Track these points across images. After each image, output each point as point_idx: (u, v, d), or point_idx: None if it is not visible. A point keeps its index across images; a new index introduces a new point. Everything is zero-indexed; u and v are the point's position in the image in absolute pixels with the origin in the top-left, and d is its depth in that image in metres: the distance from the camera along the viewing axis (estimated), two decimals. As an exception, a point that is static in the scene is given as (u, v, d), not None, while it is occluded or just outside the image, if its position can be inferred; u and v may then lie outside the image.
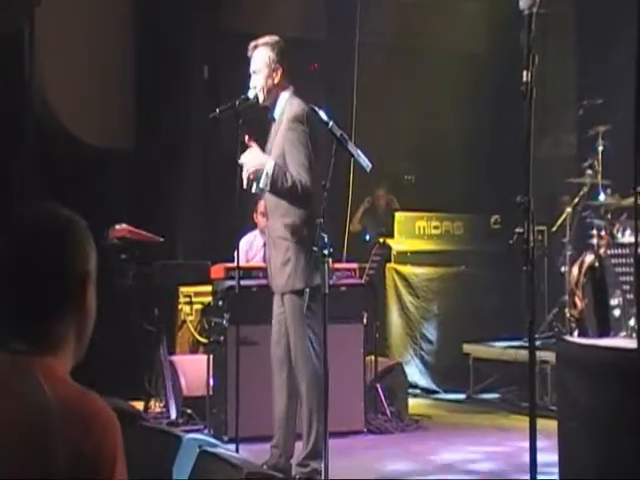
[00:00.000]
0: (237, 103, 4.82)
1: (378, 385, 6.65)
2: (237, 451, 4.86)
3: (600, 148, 7.87)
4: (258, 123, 5.03)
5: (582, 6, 8.76)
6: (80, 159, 7.45)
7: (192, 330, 7.30)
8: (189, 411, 6.30)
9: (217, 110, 4.83)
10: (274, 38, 4.96)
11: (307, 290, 4.77)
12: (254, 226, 7.07)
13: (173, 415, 6.25)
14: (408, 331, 8.27)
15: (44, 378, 1.86)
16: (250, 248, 7.11)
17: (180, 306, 7.36)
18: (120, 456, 1.85)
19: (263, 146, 5.00)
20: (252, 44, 4.97)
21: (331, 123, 4.43)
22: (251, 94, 4.87)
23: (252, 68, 4.97)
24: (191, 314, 7.36)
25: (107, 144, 7.78)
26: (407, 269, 8.31)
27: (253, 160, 4.85)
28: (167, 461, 3.56)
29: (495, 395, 7.78)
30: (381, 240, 8.01)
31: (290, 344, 4.92)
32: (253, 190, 4.99)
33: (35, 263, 1.90)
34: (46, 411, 1.81)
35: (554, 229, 8.03)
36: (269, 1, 8.51)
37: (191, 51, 8.25)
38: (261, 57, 4.93)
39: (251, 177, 4.88)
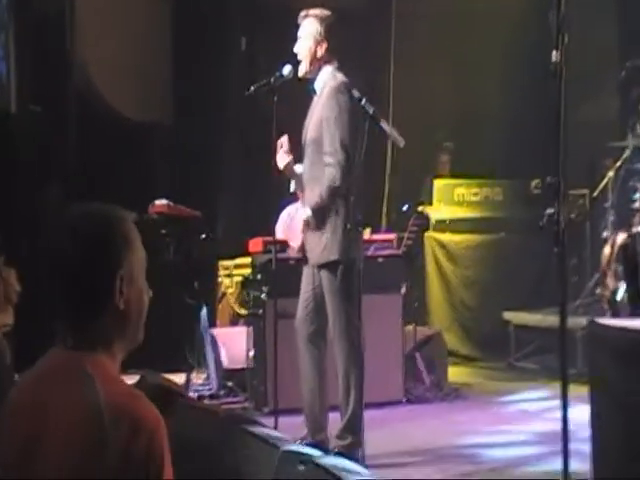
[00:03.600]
0: (272, 80, 4.85)
1: (417, 354, 6.68)
2: (276, 423, 4.94)
3: (643, 109, 7.79)
4: (294, 98, 5.04)
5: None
6: (121, 134, 7.53)
7: (232, 302, 7.38)
8: (230, 384, 6.39)
9: (252, 87, 4.85)
10: (325, 12, 4.99)
11: (341, 265, 4.80)
12: (296, 199, 7.08)
13: (214, 387, 6.35)
14: (448, 299, 8.27)
15: (96, 375, 1.94)
16: (292, 221, 7.10)
17: (220, 279, 7.43)
18: (167, 457, 1.92)
19: (301, 121, 5.05)
20: (303, 12, 5.01)
21: (364, 100, 4.43)
22: (286, 70, 4.89)
23: (299, 34, 5.01)
24: (231, 286, 7.42)
25: (146, 118, 7.84)
26: (446, 237, 8.29)
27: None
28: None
29: (536, 363, 7.76)
30: (419, 209, 8.00)
31: (318, 319, 4.96)
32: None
33: (71, 265, 1.99)
34: (99, 411, 1.88)
35: (595, 194, 7.95)
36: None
37: (229, 23, 8.24)
38: (309, 27, 4.97)
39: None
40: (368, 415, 4.95)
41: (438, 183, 8.45)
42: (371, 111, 4.40)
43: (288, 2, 8.38)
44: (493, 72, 8.84)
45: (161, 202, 6.36)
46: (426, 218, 7.88)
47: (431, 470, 4.93)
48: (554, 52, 2.98)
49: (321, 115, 4.86)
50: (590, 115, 8.95)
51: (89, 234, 1.99)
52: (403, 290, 6.42)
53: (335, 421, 5.04)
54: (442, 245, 8.28)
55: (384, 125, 4.50)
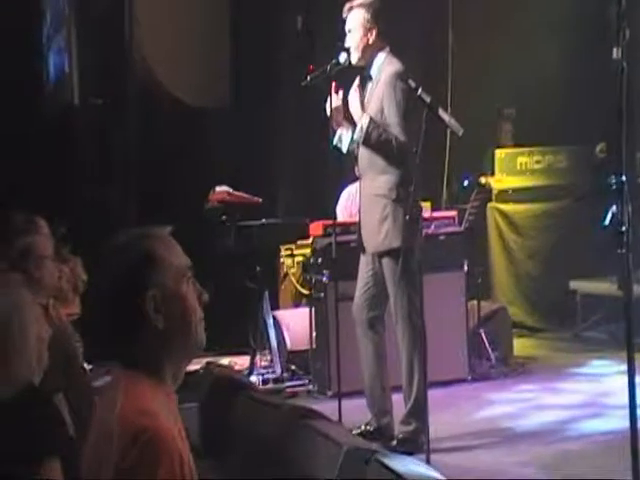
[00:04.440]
0: (328, 68, 4.85)
1: (482, 330, 6.63)
2: (340, 406, 4.96)
3: None
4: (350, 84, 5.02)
5: None
6: (181, 121, 7.55)
7: (294, 282, 7.39)
8: (293, 367, 6.42)
9: (308, 77, 4.85)
10: None
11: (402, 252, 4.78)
12: (355, 179, 7.07)
13: (278, 370, 6.39)
14: (512, 270, 8.18)
15: (125, 392, 1.98)
16: (353, 201, 7.08)
17: (282, 259, 7.44)
18: (164, 471, 1.87)
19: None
20: (347, 5, 5.01)
21: (420, 89, 4.40)
22: (342, 58, 4.88)
23: (347, 27, 5.01)
24: (293, 267, 7.43)
25: (204, 102, 7.84)
26: (509, 207, 8.18)
27: (352, 107, 4.88)
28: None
29: (603, 332, 7.65)
30: (482, 180, 7.90)
31: (377, 305, 4.98)
32: (344, 147, 5.00)
33: (100, 294, 2.05)
34: (110, 427, 1.93)
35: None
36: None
37: (285, 2, 8.18)
38: (356, 18, 4.96)
39: (340, 131, 4.92)
40: (433, 395, 4.95)
41: (499, 153, 8.33)
42: (428, 100, 4.36)
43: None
44: (554, 37, 8.64)
45: (221, 189, 6.40)
46: (488, 191, 7.78)
47: (500, 453, 4.91)
48: (614, 49, 2.89)
49: (380, 104, 4.83)
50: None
51: (114, 264, 2.03)
52: (465, 267, 6.36)
53: (399, 402, 5.05)
54: (505, 216, 8.17)
55: (442, 113, 4.46)
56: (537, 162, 8.48)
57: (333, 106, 4.89)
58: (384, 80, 4.86)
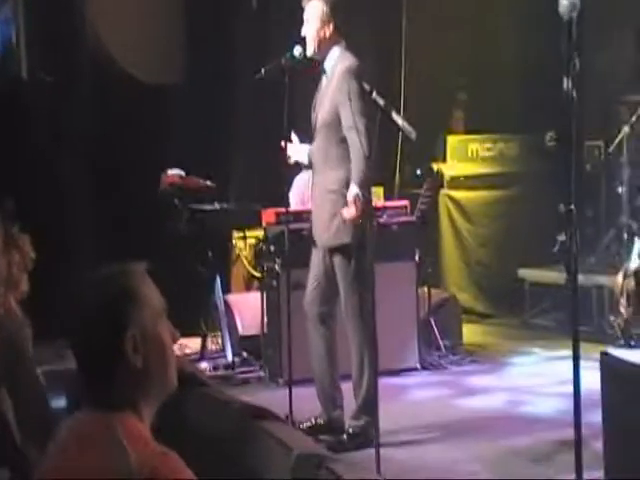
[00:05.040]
0: (283, 61, 4.82)
1: (432, 319, 6.69)
2: (291, 394, 4.97)
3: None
4: (304, 78, 5.00)
5: None
6: (134, 97, 7.43)
7: (246, 265, 7.39)
8: (245, 354, 6.42)
9: (262, 69, 4.82)
10: None
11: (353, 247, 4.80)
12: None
13: (229, 357, 6.39)
14: (463, 257, 8.26)
15: (125, 438, 1.93)
16: (306, 186, 7.06)
17: (234, 241, 7.43)
18: None
19: (310, 100, 5.01)
20: None
21: (374, 93, 4.39)
22: (296, 51, 4.85)
23: (305, 17, 5.01)
24: (245, 249, 7.42)
25: (158, 80, 7.73)
26: (460, 194, 8.25)
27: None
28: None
29: (550, 320, 7.75)
30: (434, 167, 7.93)
31: (328, 300, 5.00)
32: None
33: (79, 331, 2.01)
34: (130, 475, 1.87)
35: (611, 149, 7.85)
36: None
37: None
38: (314, 9, 4.96)
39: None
40: (382, 384, 4.96)
41: (451, 139, 8.37)
42: (382, 103, 4.36)
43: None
44: (506, 24, 8.68)
45: (174, 172, 6.35)
46: (440, 180, 7.82)
47: (446, 447, 4.96)
48: (564, 79, 2.91)
49: (334, 99, 4.83)
50: (605, 64, 8.81)
51: (92, 301, 2.01)
52: (417, 257, 6.40)
53: (349, 391, 5.07)
54: (456, 203, 8.23)
55: (396, 117, 4.46)
56: (488, 149, 8.54)
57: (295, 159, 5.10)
58: (337, 76, 4.85)
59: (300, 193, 6.84)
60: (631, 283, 5.39)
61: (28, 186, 6.65)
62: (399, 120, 4.49)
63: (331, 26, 4.90)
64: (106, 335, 1.96)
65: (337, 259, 4.92)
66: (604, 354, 3.87)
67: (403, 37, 8.44)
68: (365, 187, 4.75)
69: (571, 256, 2.88)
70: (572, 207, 2.89)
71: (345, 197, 4.82)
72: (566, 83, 2.92)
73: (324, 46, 4.93)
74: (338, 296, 4.98)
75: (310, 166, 5.19)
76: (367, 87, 4.54)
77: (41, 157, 7.05)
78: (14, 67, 7.30)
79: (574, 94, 2.88)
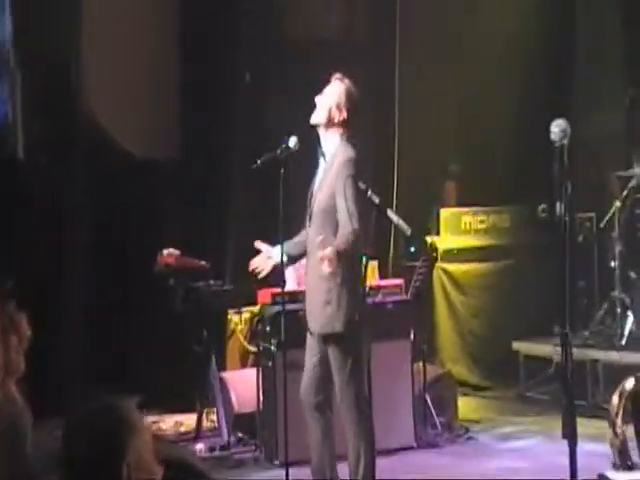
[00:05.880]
0: (278, 152, 4.88)
1: (427, 396, 6.69)
2: (287, 476, 4.98)
3: (648, 136, 7.80)
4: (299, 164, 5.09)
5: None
6: (129, 173, 7.51)
7: (241, 339, 7.40)
8: (240, 434, 6.41)
9: (258, 161, 4.89)
10: (355, 89, 5.09)
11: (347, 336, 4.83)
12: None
13: (225, 436, 6.37)
14: (456, 329, 8.29)
15: None
16: (301, 266, 7.09)
17: (229, 316, 7.45)
18: None
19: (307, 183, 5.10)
20: (338, 75, 5.10)
21: (370, 191, 4.46)
22: (291, 142, 4.92)
23: (325, 90, 5.11)
24: (240, 323, 7.44)
25: (154, 156, 7.83)
26: (454, 267, 8.31)
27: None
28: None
29: (545, 393, 7.74)
30: (427, 240, 8.00)
31: (324, 388, 5.00)
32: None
33: (78, 459, 2.07)
34: None
35: (602, 225, 7.94)
36: (310, 6, 8.46)
37: (234, 57, 8.22)
38: (337, 89, 5.06)
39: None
40: (379, 466, 4.98)
41: (444, 212, 8.45)
42: (377, 201, 4.43)
43: (294, 36, 8.43)
44: (499, 99, 8.80)
45: (169, 252, 6.40)
46: (434, 257, 7.87)
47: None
48: (557, 204, 2.99)
49: (332, 187, 4.88)
50: (596, 131, 8.93)
51: (89, 429, 2.07)
52: (412, 335, 6.43)
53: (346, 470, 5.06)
54: (450, 275, 8.29)
55: (391, 214, 4.53)
56: (481, 222, 8.62)
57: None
58: (337, 166, 4.92)
59: (296, 271, 6.86)
60: (627, 404, 5.41)
61: (24, 264, 6.69)
62: (394, 217, 4.57)
63: (343, 114, 4.99)
64: (106, 462, 2.03)
65: (331, 347, 4.93)
66: (601, 476, 3.88)
67: (396, 110, 8.55)
68: (344, 255, 4.77)
69: (567, 379, 2.91)
70: (567, 330, 2.94)
71: (339, 286, 4.86)
72: (559, 208, 2.99)
73: (329, 126, 5.01)
74: (334, 384, 4.99)
75: (291, 261, 5.26)
76: (363, 186, 4.60)
77: (37, 236, 7.09)
78: (10, 146, 7.37)
79: (567, 219, 2.95)
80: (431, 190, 8.61)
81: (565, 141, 3.10)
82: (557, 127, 3.60)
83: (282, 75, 8.08)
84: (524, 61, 8.86)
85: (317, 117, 5.05)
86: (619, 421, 5.57)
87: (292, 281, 6.44)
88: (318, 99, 5.08)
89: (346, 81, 5.09)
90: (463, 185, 8.80)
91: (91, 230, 7.24)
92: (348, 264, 4.89)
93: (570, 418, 3.12)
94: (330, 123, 5.02)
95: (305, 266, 5.27)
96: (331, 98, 5.03)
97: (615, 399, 5.85)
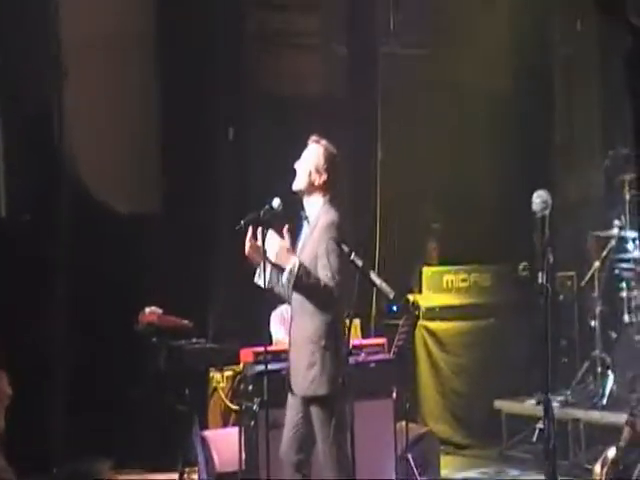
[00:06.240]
0: (262, 213, 4.91)
1: (409, 455, 6.67)
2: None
3: (627, 197, 7.90)
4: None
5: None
6: (112, 229, 7.54)
7: (223, 397, 7.38)
8: (222, 497, 6.37)
9: (241, 222, 4.91)
10: (334, 150, 5.10)
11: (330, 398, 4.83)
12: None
13: (207, 498, 6.33)
14: (438, 387, 8.31)
15: None
16: (284, 321, 7.07)
17: (211, 374, 7.43)
18: None
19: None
20: (315, 137, 5.11)
21: (353, 254, 4.50)
22: (275, 203, 4.95)
23: (304, 154, 5.12)
24: (222, 381, 7.42)
25: (136, 211, 7.87)
26: (436, 325, 8.36)
27: (279, 251, 4.93)
28: None
29: (528, 452, 7.74)
30: (410, 298, 8.04)
31: (305, 448, 5.00)
32: (262, 283, 5.04)
33: None
34: None
35: (583, 283, 8.02)
36: (292, 61, 8.58)
37: (216, 113, 8.30)
38: (315, 152, 5.07)
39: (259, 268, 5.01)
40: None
41: (426, 271, 8.52)
42: (360, 264, 4.47)
43: (276, 90, 8.53)
44: (480, 156, 8.92)
45: (151, 310, 6.39)
46: (416, 316, 7.92)
47: None
48: (540, 273, 3.05)
49: (314, 250, 4.90)
50: (576, 192, 9.05)
51: None
52: (394, 394, 6.42)
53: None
54: (432, 333, 8.33)
55: (374, 277, 4.58)
56: (462, 280, 8.69)
57: (249, 245, 4.98)
58: (320, 228, 4.94)
59: (280, 326, 6.82)
60: (610, 472, 5.43)
61: (5, 321, 6.67)
62: (377, 280, 4.60)
63: (323, 177, 5.01)
64: None
65: (314, 409, 4.92)
66: None
67: (378, 170, 8.64)
68: (299, 283, 4.76)
69: (550, 452, 2.95)
70: (548, 395, 2.98)
71: (322, 347, 4.87)
72: (540, 277, 3.05)
73: (311, 190, 5.03)
74: (315, 444, 4.98)
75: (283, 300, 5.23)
76: (346, 249, 4.63)
77: (18, 292, 7.08)
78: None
79: (549, 287, 3.00)
80: (414, 249, 8.67)
81: (546, 212, 3.16)
82: (539, 198, 3.67)
83: (264, 131, 8.16)
84: (503, 123, 8.99)
85: (298, 184, 5.05)
86: (601, 491, 5.58)
87: (276, 329, 6.47)
88: (297, 165, 5.09)
89: (323, 142, 5.10)
90: (444, 244, 8.87)
91: (73, 287, 7.23)
92: (331, 327, 4.91)
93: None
94: (312, 187, 5.03)
95: (290, 328, 5.26)
96: (310, 162, 5.04)
97: (597, 468, 5.87)
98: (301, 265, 4.84)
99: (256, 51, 8.51)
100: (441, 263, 8.75)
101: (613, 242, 7.80)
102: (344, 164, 8.17)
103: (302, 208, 5.13)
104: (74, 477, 2.10)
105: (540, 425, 3.12)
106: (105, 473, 2.07)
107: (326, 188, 5.04)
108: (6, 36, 7.33)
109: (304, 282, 4.83)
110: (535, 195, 3.72)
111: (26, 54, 7.37)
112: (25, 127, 7.50)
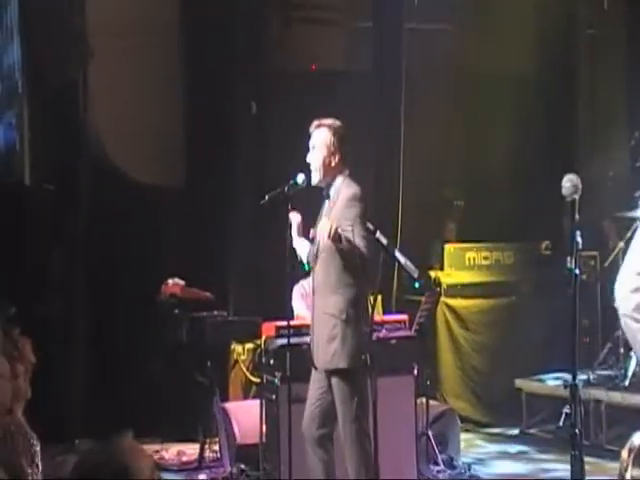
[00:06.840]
0: (286, 188, 4.89)
1: (430, 432, 6.66)
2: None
3: (652, 178, 7.82)
4: (307, 202, 5.09)
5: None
6: (134, 203, 7.54)
7: (244, 370, 7.40)
8: (242, 466, 6.37)
9: (266, 197, 4.89)
10: (337, 123, 5.05)
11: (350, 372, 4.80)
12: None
13: (227, 467, 6.34)
14: (459, 364, 8.27)
15: None
16: (305, 295, 7.04)
17: (232, 346, 7.44)
18: None
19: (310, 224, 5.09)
20: (316, 122, 5.06)
21: (378, 232, 4.47)
22: (299, 179, 4.92)
23: (311, 144, 5.07)
24: (243, 354, 7.44)
25: (158, 183, 7.86)
26: (457, 302, 8.30)
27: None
28: None
29: (548, 431, 7.69)
30: (432, 275, 8.01)
31: (327, 422, 5.00)
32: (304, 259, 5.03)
33: None
34: None
35: (606, 264, 7.95)
36: (314, 37, 8.52)
37: (239, 87, 8.26)
38: (322, 137, 5.03)
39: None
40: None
41: (448, 248, 8.46)
42: (385, 242, 4.44)
43: (297, 66, 8.48)
44: (504, 134, 8.84)
45: (175, 282, 6.40)
46: (439, 293, 7.87)
47: None
48: (568, 258, 3.02)
49: (337, 225, 4.87)
50: (600, 170, 8.97)
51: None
52: (415, 371, 6.40)
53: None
54: (453, 310, 8.28)
55: (399, 255, 4.55)
56: (485, 258, 8.63)
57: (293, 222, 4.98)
58: (342, 202, 4.91)
59: (302, 300, 6.78)
60: (637, 458, 5.40)
61: (28, 292, 6.69)
62: (402, 259, 4.57)
63: (337, 156, 4.98)
64: None
65: (335, 383, 4.92)
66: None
67: (401, 147, 8.58)
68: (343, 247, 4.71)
69: (574, 435, 2.91)
70: (576, 382, 2.94)
71: (343, 321, 4.85)
72: (570, 262, 3.01)
73: (329, 174, 5.01)
74: (337, 418, 4.97)
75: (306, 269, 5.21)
76: (371, 227, 4.60)
77: (42, 262, 7.10)
78: (17, 173, 7.40)
79: (577, 272, 2.96)
80: (435, 226, 8.63)
81: (576, 196, 3.11)
82: (569, 182, 3.61)
83: (285, 107, 8.13)
84: (527, 103, 8.92)
85: (316, 177, 5.03)
86: (628, 475, 5.54)
87: (298, 305, 6.46)
88: (309, 158, 5.05)
89: (324, 122, 5.05)
90: (467, 221, 8.81)
91: (95, 258, 7.24)
92: (353, 302, 4.89)
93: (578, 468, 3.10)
94: (329, 171, 5.01)
95: (312, 304, 5.24)
96: (320, 149, 5.01)
97: (624, 454, 5.82)
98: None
99: (279, 25, 8.47)
100: (463, 241, 8.69)
101: (638, 223, 7.71)
102: (365, 139, 8.29)
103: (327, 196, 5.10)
104: (95, 450, 2.10)
105: (567, 409, 3.07)
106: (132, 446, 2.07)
107: (343, 164, 5.01)
108: (35, 13, 7.34)
109: (344, 241, 4.76)
110: (565, 179, 3.66)
111: (54, 33, 7.38)
112: (50, 100, 7.49)
